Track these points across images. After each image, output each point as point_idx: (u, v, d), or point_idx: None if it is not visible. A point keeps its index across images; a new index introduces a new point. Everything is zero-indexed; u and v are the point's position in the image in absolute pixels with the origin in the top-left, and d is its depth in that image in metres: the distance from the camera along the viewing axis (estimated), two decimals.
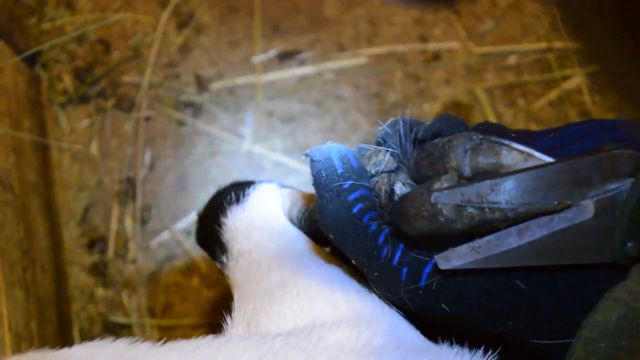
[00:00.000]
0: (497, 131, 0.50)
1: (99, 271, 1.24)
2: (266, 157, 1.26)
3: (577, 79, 1.29)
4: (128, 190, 1.25)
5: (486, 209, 0.42)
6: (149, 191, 1.25)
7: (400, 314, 0.50)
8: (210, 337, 0.48)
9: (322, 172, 0.50)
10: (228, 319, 0.54)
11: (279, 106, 1.28)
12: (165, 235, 1.24)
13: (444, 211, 0.43)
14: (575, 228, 0.41)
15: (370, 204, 0.49)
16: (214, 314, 1.23)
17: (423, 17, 1.30)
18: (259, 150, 1.26)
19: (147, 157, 1.26)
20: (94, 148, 1.26)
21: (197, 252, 1.24)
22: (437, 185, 0.44)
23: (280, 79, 1.28)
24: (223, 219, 0.64)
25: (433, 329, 0.50)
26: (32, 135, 1.19)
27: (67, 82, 1.29)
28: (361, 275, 0.51)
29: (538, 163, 0.44)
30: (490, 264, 0.43)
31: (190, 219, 1.25)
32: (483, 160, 0.46)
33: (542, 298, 0.45)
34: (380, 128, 0.54)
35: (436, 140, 0.49)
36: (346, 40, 1.30)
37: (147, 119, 1.27)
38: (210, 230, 0.65)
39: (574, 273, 0.44)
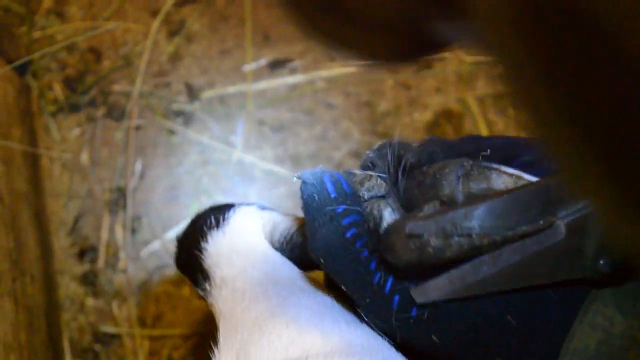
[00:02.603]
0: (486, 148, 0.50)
1: (89, 281, 1.23)
2: (257, 166, 1.26)
3: None
4: (119, 200, 1.25)
5: (473, 236, 0.42)
6: (139, 200, 1.25)
7: (391, 345, 0.50)
8: None
9: (314, 195, 0.50)
10: (215, 350, 0.53)
11: (270, 115, 1.28)
12: (156, 245, 1.24)
13: (431, 242, 0.42)
14: (547, 250, 0.41)
15: (363, 230, 0.49)
16: (205, 324, 1.22)
17: None
18: (250, 159, 1.26)
19: (138, 166, 1.26)
20: (84, 157, 1.26)
21: None
22: (421, 215, 0.44)
23: (271, 87, 1.28)
24: (204, 245, 0.63)
25: None
26: (22, 145, 1.19)
27: (58, 91, 1.28)
28: (350, 303, 0.51)
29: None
30: (467, 292, 0.43)
31: (181, 229, 1.24)
32: (475, 186, 0.46)
33: (534, 334, 0.45)
34: (368, 152, 0.53)
35: (425, 168, 0.49)
36: None
37: (138, 128, 1.27)
38: (190, 255, 0.64)
39: (562, 303, 0.44)
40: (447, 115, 1.28)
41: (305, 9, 0.27)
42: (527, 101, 0.20)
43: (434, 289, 0.43)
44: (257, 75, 1.29)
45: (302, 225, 0.60)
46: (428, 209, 0.45)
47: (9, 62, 1.21)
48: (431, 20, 0.24)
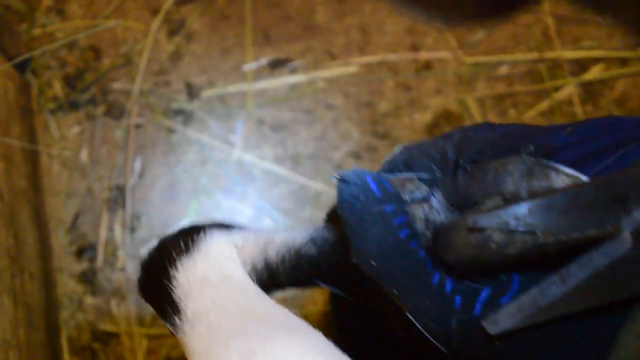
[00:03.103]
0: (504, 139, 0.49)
1: (87, 279, 1.23)
2: (256, 165, 1.26)
3: (568, 90, 1.29)
4: (118, 198, 1.25)
5: (538, 233, 0.41)
6: (138, 199, 1.25)
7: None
8: None
9: (359, 195, 0.46)
10: None
11: (270, 114, 1.28)
12: (154, 244, 1.24)
13: (495, 237, 0.41)
14: (616, 262, 0.40)
15: (413, 231, 0.47)
16: None
17: (414, 27, 1.30)
18: (249, 159, 1.26)
19: (137, 164, 1.26)
20: (83, 155, 1.26)
21: None
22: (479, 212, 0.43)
23: (271, 87, 1.28)
24: (173, 272, 0.56)
25: None
26: (21, 142, 1.19)
27: (58, 88, 1.28)
28: (336, 338, 0.47)
29: None
30: (539, 317, 0.42)
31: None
32: (536, 184, 0.45)
33: (591, 345, 0.44)
34: (396, 154, 0.51)
35: (483, 165, 0.48)
36: (337, 48, 1.30)
37: (138, 126, 1.27)
38: (158, 284, 0.57)
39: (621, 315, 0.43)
40: (446, 116, 1.28)
41: None
42: None
43: (505, 318, 0.42)
44: (257, 74, 1.29)
45: (316, 237, 0.55)
46: (490, 202, 0.44)
47: (9, 59, 1.21)
48: None
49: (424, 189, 0.49)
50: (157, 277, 0.58)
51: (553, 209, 0.40)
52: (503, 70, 1.30)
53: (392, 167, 0.51)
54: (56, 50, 1.28)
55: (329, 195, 1.26)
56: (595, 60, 1.30)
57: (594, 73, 1.30)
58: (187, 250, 0.57)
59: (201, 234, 0.58)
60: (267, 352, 0.46)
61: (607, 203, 0.39)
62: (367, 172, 0.48)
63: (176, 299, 0.55)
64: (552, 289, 0.41)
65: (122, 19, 1.29)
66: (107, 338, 1.22)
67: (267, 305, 0.53)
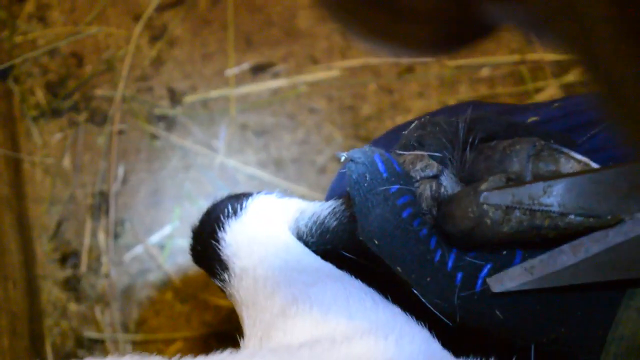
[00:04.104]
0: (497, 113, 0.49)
1: (71, 286, 1.23)
2: (240, 170, 1.26)
3: (550, 91, 1.30)
4: (101, 204, 1.25)
5: (537, 214, 0.41)
6: (122, 205, 1.25)
7: (421, 326, 0.49)
8: (231, 351, 0.46)
9: (365, 175, 0.48)
10: (240, 340, 0.53)
11: (253, 119, 1.28)
12: (138, 250, 1.24)
13: (490, 213, 0.42)
14: (632, 241, 0.39)
15: (418, 210, 0.48)
16: (188, 329, 1.22)
17: None
18: (232, 164, 1.26)
19: (120, 170, 1.26)
20: (66, 162, 1.26)
21: (171, 266, 1.24)
22: (484, 186, 0.43)
23: (253, 92, 1.29)
24: (221, 234, 0.60)
25: (462, 344, 0.48)
26: (3, 149, 1.19)
27: (40, 95, 1.28)
28: (380, 285, 0.50)
29: None
30: (545, 283, 0.42)
31: (164, 233, 1.24)
32: (543, 167, 0.45)
33: (598, 305, 0.45)
34: (407, 133, 0.52)
35: (494, 143, 0.48)
36: (320, 53, 1.30)
37: (120, 132, 1.27)
38: (207, 246, 0.61)
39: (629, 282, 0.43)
40: None
41: (346, 3, 0.27)
42: (612, 96, 0.19)
43: (510, 278, 0.42)
44: (240, 79, 1.29)
45: (336, 208, 0.58)
46: (493, 179, 0.43)
47: None
48: (480, 4, 0.24)
49: (434, 166, 0.49)
50: (206, 240, 0.61)
51: (570, 191, 0.40)
52: (485, 72, 1.31)
53: (407, 142, 0.52)
54: (38, 57, 1.28)
55: (313, 199, 1.26)
56: (576, 62, 1.31)
57: (575, 74, 1.30)
58: (235, 213, 0.61)
59: (249, 198, 0.62)
60: (307, 296, 0.49)
61: (626, 190, 0.39)
62: (376, 151, 0.49)
63: (224, 258, 0.59)
64: (561, 258, 0.41)
65: (104, 26, 1.29)
66: (92, 344, 1.22)
67: (310, 259, 0.56)
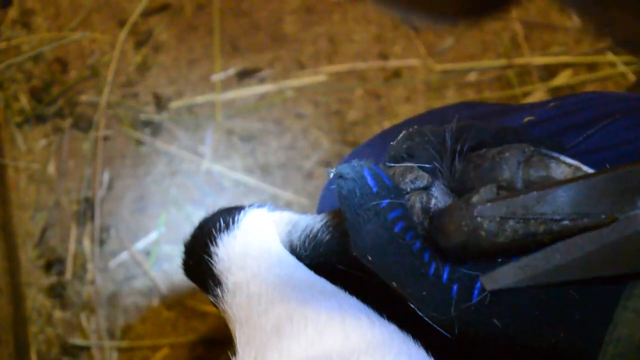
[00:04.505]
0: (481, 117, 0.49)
1: (56, 293, 1.22)
2: (226, 176, 1.26)
3: (537, 95, 1.30)
4: (86, 211, 1.24)
5: (531, 222, 0.41)
6: (107, 211, 1.24)
7: (418, 345, 0.48)
8: None
9: (355, 190, 0.48)
10: (233, 359, 0.52)
11: (239, 124, 1.27)
12: (124, 256, 1.23)
13: (485, 225, 0.42)
14: (626, 240, 0.40)
15: (410, 223, 0.48)
16: (175, 335, 1.22)
17: (383, 34, 1.30)
18: (218, 169, 1.26)
19: (106, 176, 1.25)
20: (51, 168, 1.25)
21: (157, 273, 1.23)
22: (476, 199, 0.43)
23: (239, 97, 1.28)
24: (214, 249, 0.60)
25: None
26: None
27: (24, 101, 1.27)
28: (394, 300, 0.49)
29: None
30: (538, 280, 0.42)
31: (149, 239, 1.24)
32: (534, 173, 0.45)
33: (596, 307, 0.45)
34: (400, 139, 0.51)
35: (483, 152, 0.48)
36: (306, 58, 1.30)
37: (106, 138, 1.26)
38: (199, 260, 0.61)
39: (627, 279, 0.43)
40: None
41: None
42: None
43: (504, 277, 0.43)
44: (226, 85, 1.28)
45: (329, 222, 0.58)
46: (485, 191, 0.43)
47: None
48: None
49: (425, 178, 0.49)
50: (198, 254, 0.61)
51: (563, 198, 0.40)
52: (472, 77, 1.30)
53: (396, 154, 0.52)
54: (22, 63, 1.27)
55: (300, 205, 1.25)
56: (564, 66, 1.31)
57: (563, 78, 1.30)
58: (227, 227, 0.61)
59: (241, 212, 0.62)
60: (302, 314, 0.49)
61: (619, 192, 0.39)
62: (365, 165, 0.49)
63: (217, 273, 0.58)
64: (555, 256, 0.41)
65: (89, 31, 1.28)
66: (77, 352, 1.21)
67: (304, 274, 0.56)
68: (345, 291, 0.54)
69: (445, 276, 0.46)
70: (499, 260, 0.45)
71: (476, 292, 0.45)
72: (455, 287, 0.46)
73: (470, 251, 0.44)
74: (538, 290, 0.44)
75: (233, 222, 0.61)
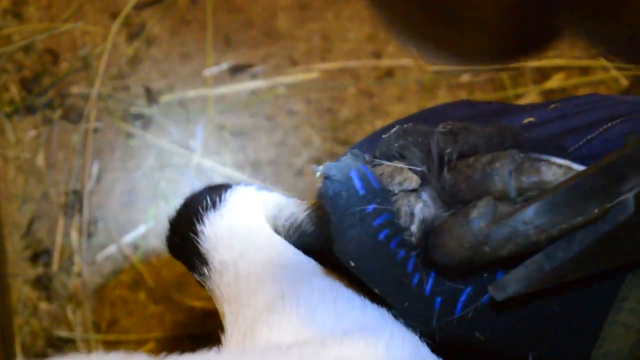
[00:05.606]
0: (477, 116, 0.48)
1: (42, 285, 1.22)
2: (216, 171, 1.25)
3: (530, 97, 1.30)
4: (74, 203, 1.23)
5: (532, 232, 0.41)
6: (95, 204, 1.24)
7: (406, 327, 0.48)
8: (217, 350, 0.46)
9: (342, 192, 0.46)
10: (222, 336, 0.51)
11: (230, 120, 1.27)
12: (111, 249, 1.23)
13: (488, 241, 0.42)
14: (619, 227, 0.40)
15: (396, 229, 0.46)
16: (161, 329, 1.22)
17: (376, 34, 1.29)
18: (209, 164, 1.25)
19: (95, 169, 1.25)
20: (40, 159, 1.24)
21: (144, 267, 1.23)
22: (475, 214, 0.42)
23: (231, 92, 1.28)
24: (200, 227, 0.58)
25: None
26: None
27: (14, 92, 1.27)
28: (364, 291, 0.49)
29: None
30: (544, 283, 0.42)
31: (138, 233, 1.23)
32: (526, 180, 0.44)
33: (578, 322, 0.44)
34: (387, 140, 0.50)
35: (472, 161, 0.47)
36: (299, 55, 1.29)
37: (96, 130, 1.25)
38: (185, 239, 0.60)
39: (611, 289, 0.43)
40: None
41: (402, 9, 0.26)
42: None
43: (511, 283, 0.42)
44: (218, 79, 1.28)
45: (313, 213, 0.57)
46: (482, 205, 0.43)
47: None
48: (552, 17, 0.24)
49: (413, 180, 0.48)
50: (184, 232, 0.60)
51: (557, 205, 0.40)
52: (465, 78, 1.30)
53: (387, 150, 0.50)
54: (13, 53, 1.27)
55: None
56: (557, 69, 1.31)
57: (555, 81, 1.30)
58: (214, 205, 0.59)
59: (228, 191, 0.60)
60: (294, 293, 0.48)
61: (606, 185, 0.40)
62: (352, 166, 0.48)
63: (203, 252, 0.57)
64: (557, 255, 0.41)
65: (81, 22, 1.27)
66: (62, 344, 1.21)
67: (292, 254, 0.55)
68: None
69: (428, 288, 0.45)
70: (484, 275, 0.45)
71: (459, 305, 0.45)
72: (438, 299, 0.45)
73: (472, 266, 0.43)
74: (520, 306, 0.44)
75: (220, 200, 0.59)
